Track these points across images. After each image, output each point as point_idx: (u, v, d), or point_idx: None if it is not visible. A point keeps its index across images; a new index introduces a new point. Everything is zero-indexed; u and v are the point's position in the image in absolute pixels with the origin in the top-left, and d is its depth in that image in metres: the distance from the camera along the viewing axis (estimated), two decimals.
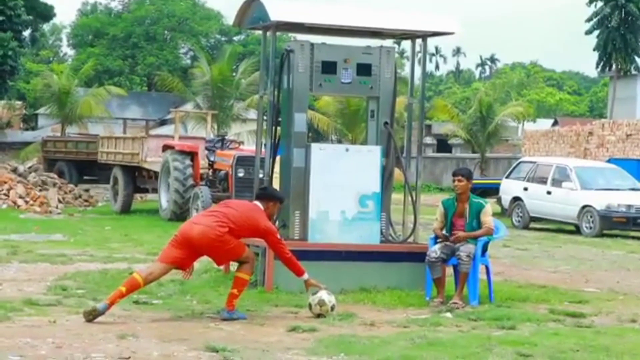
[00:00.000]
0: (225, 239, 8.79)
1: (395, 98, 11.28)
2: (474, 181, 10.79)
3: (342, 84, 11.05)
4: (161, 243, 8.97)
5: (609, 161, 27.19)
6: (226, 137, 22.81)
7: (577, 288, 12.00)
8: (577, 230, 22.33)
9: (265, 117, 11.44)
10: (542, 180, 23.68)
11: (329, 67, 10.94)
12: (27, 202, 23.56)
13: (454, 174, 10.39)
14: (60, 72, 42.17)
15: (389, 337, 8.09)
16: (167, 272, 8.98)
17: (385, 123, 11.14)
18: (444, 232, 10.26)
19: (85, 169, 29.24)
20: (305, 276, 9.09)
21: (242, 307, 9.32)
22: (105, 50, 66.06)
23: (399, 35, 12.04)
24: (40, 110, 53.14)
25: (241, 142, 24.87)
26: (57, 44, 79.08)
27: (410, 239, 11.19)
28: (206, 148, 21.69)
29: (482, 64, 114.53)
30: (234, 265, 11.53)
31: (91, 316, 8.44)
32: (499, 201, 24.88)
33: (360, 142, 34.37)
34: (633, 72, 49.18)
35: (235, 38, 67.89)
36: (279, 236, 9.14)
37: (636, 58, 49.08)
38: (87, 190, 27.46)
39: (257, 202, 9.16)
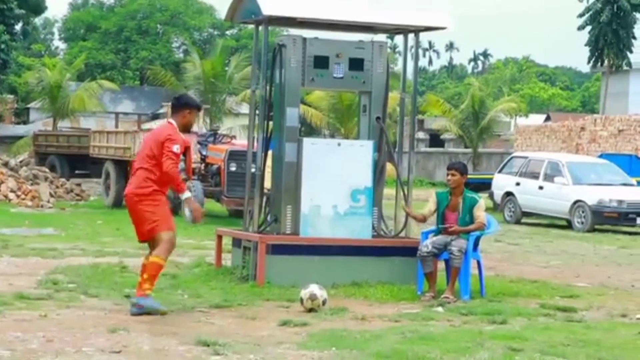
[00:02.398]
0: (148, 199, 8.58)
1: (388, 93, 11.28)
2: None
3: (334, 78, 11.05)
4: None
5: (600, 156, 27.24)
6: (218, 132, 22.77)
7: (568, 283, 12.02)
8: (569, 225, 22.37)
9: (257, 112, 11.43)
10: (534, 176, 23.71)
11: (321, 62, 10.93)
12: (18, 196, 23.51)
13: (448, 168, 10.41)
14: (52, 66, 42.03)
15: (380, 332, 8.09)
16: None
17: (378, 118, 11.14)
18: (434, 227, 10.28)
19: (77, 163, 29.11)
20: (187, 194, 8.68)
21: (234, 302, 9.33)
22: (98, 44, 65.94)
23: (392, 30, 12.03)
24: (32, 104, 53.03)
25: (233, 137, 24.81)
26: (49, 37, 78.91)
27: (402, 234, 11.19)
28: (198, 142, 21.64)
29: (475, 59, 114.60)
30: (226, 260, 11.55)
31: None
32: (491, 196, 24.91)
33: (352, 136, 34.36)
34: (625, 67, 49.22)
35: (227, 32, 67.82)
36: (175, 149, 8.54)
37: (628, 53, 49.11)
38: (78, 185, 27.39)
39: (171, 119, 8.83)
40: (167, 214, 8.77)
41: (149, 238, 8.78)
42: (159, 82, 43.09)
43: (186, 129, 8.87)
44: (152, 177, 8.62)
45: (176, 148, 8.57)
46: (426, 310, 9.26)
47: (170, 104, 8.99)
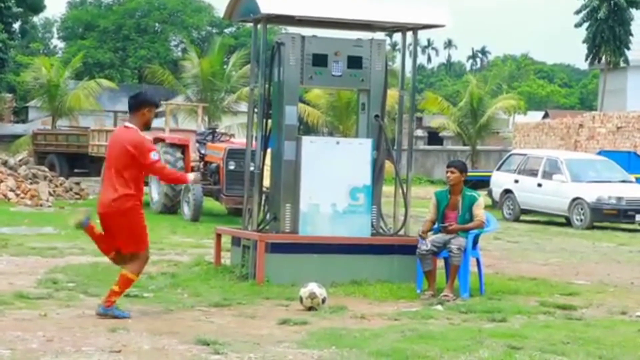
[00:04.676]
0: (134, 213, 8.40)
1: (386, 91, 11.28)
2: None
3: (332, 76, 11.04)
4: (151, 236, 8.93)
5: (599, 153, 27.24)
6: (217, 130, 22.77)
7: (567, 280, 12.03)
8: (568, 223, 22.37)
9: (256, 110, 11.42)
10: (533, 173, 23.72)
11: (320, 60, 10.92)
12: (17, 195, 23.49)
13: (448, 166, 10.42)
14: (50, 65, 42.00)
15: (379, 330, 8.10)
16: (114, 257, 8.66)
17: (376, 116, 11.14)
18: (435, 225, 10.29)
19: (76, 161, 29.11)
20: (190, 177, 8.98)
21: (234, 300, 9.33)
22: (96, 42, 65.94)
23: (390, 28, 12.03)
24: (31, 103, 53.00)
25: (232, 135, 24.81)
26: (47, 36, 78.90)
27: (401, 232, 11.20)
28: (197, 141, 21.66)
29: (474, 56, 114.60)
30: (225, 258, 11.55)
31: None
32: (489, 194, 24.91)
33: (351, 134, 34.36)
34: (622, 64, 49.24)
35: (226, 30, 67.83)
36: (160, 164, 8.55)
37: (625, 50, 49.12)
38: (77, 183, 27.35)
39: (129, 123, 8.53)
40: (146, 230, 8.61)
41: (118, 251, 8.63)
42: (157, 80, 43.08)
43: (147, 127, 8.62)
44: (131, 189, 8.39)
45: (155, 156, 8.43)
46: (425, 309, 9.27)
47: (128, 103, 8.70)
